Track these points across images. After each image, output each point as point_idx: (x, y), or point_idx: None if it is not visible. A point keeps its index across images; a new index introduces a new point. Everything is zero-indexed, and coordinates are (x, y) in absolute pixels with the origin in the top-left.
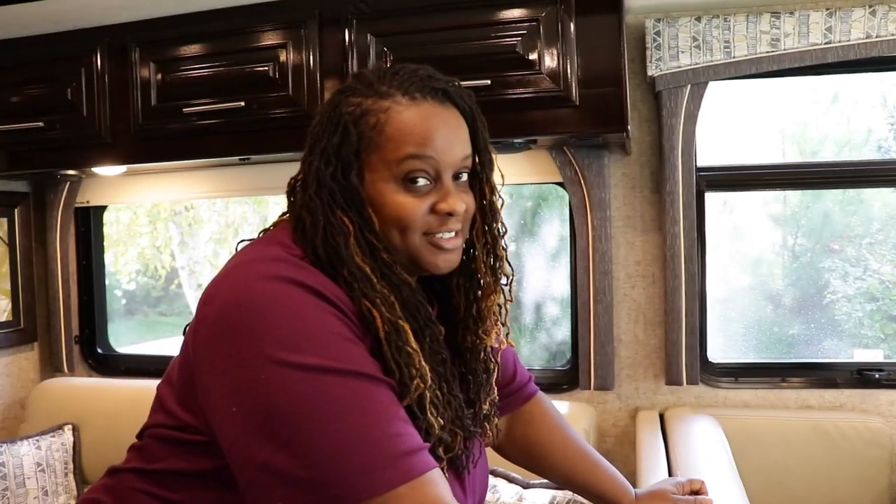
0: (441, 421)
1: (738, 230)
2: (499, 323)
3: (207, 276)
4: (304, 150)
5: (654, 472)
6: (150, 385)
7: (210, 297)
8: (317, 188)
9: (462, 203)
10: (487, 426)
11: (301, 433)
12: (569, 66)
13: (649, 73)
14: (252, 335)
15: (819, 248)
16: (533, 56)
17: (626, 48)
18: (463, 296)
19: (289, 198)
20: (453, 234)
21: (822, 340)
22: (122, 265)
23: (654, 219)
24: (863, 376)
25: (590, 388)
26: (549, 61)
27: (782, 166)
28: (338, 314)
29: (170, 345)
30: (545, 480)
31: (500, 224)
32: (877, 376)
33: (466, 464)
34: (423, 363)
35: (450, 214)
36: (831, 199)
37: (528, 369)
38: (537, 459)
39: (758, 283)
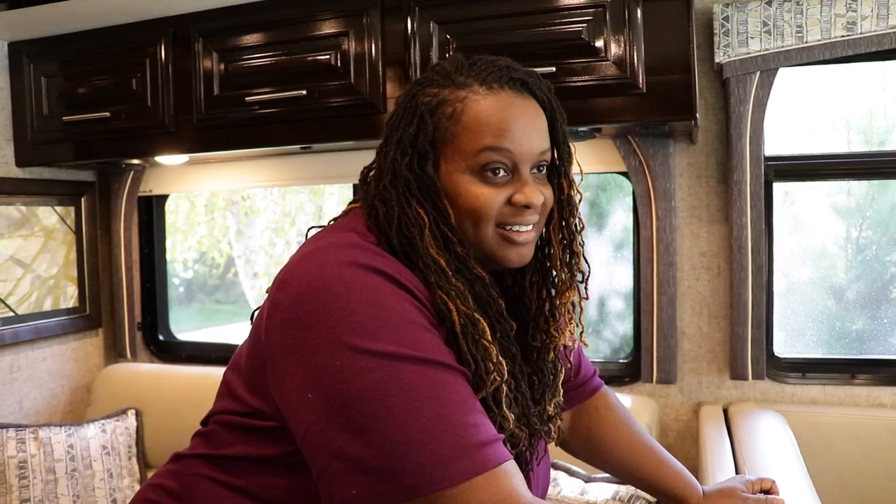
0: (512, 416)
1: (800, 222)
2: (573, 321)
3: (263, 265)
4: (381, 141)
5: (720, 469)
6: (210, 372)
7: (284, 282)
8: (392, 178)
9: (540, 195)
10: (551, 427)
11: (376, 421)
12: (635, 53)
13: (717, 60)
14: (328, 321)
15: (886, 240)
16: (599, 42)
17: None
18: (535, 293)
19: (361, 186)
20: (528, 227)
21: (889, 336)
22: (178, 254)
23: (721, 209)
24: None
25: (652, 382)
26: (616, 48)
27: (853, 155)
28: (414, 302)
29: (227, 332)
30: (607, 474)
31: (577, 219)
32: None
33: (531, 461)
34: (500, 357)
35: (527, 207)
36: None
37: (590, 361)
38: (602, 455)
39: (820, 277)
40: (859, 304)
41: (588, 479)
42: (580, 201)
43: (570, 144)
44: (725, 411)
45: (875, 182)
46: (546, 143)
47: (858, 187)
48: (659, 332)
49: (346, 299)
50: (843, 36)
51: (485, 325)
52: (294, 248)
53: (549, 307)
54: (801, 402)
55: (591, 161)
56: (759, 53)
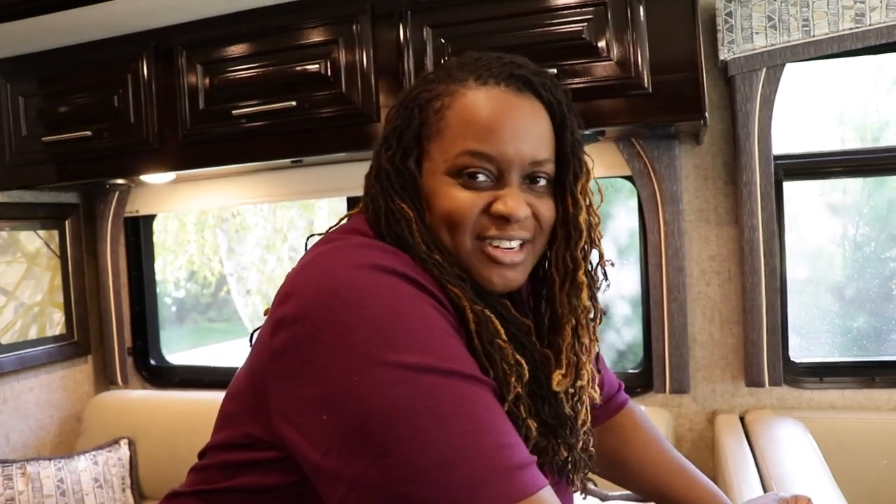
0: (535, 424)
1: (795, 221)
2: (582, 367)
3: (255, 281)
4: None
5: (745, 483)
6: (205, 397)
7: (287, 294)
8: (376, 172)
9: (524, 208)
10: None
11: (399, 442)
12: (639, 52)
13: (721, 57)
14: (339, 331)
15: (884, 237)
16: (601, 42)
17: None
18: (549, 319)
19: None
20: (514, 245)
21: (890, 334)
22: (169, 273)
23: (729, 211)
24: None
25: (665, 392)
26: (618, 47)
27: (864, 152)
28: (434, 304)
29: (221, 350)
30: (624, 492)
31: (587, 245)
32: None
33: (564, 475)
34: (518, 356)
35: (506, 219)
36: (894, 186)
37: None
38: (629, 475)
39: (817, 276)
40: (858, 302)
41: (605, 498)
42: (598, 225)
43: (586, 158)
44: (742, 419)
45: (871, 179)
46: (545, 153)
47: (854, 184)
48: (670, 340)
49: (359, 306)
50: (851, 28)
51: (496, 321)
52: (287, 263)
53: (552, 349)
54: (820, 408)
55: (594, 165)
56: (764, 49)
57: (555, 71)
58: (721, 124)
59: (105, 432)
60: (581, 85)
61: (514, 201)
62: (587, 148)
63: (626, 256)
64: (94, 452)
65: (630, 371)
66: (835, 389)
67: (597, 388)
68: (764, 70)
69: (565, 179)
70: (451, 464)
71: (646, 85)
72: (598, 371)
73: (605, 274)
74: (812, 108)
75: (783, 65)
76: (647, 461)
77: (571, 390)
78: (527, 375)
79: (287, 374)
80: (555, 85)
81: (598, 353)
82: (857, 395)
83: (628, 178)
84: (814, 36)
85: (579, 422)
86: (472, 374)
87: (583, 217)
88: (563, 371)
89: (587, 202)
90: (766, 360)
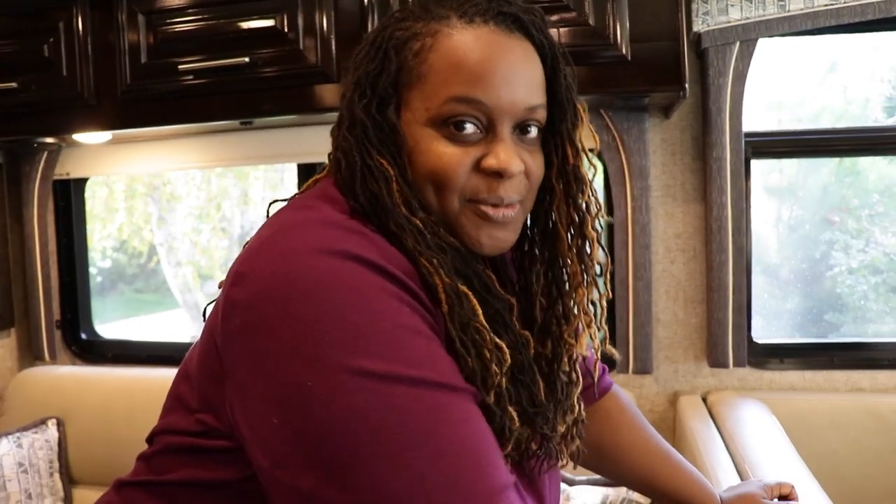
0: (516, 411)
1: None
2: (592, 325)
3: (187, 252)
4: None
5: (720, 468)
6: (141, 374)
7: (241, 275)
8: (349, 124)
9: (518, 162)
10: (564, 448)
11: (358, 461)
12: (618, 18)
13: (695, 29)
14: (295, 328)
15: (818, 219)
16: (579, 6)
17: None
18: (542, 290)
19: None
20: (508, 204)
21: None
22: (97, 242)
23: (697, 188)
24: None
25: (627, 372)
26: (597, 12)
27: (837, 131)
28: (407, 298)
29: (151, 322)
30: (592, 476)
31: (589, 197)
32: None
33: (538, 466)
34: (498, 340)
35: (500, 174)
36: (829, 170)
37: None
38: (613, 462)
39: (761, 257)
40: (802, 283)
41: (571, 483)
42: (594, 176)
43: (579, 104)
44: (704, 400)
45: (805, 161)
46: (538, 98)
47: (790, 166)
48: (635, 320)
49: (318, 300)
50: (826, 5)
51: (473, 299)
52: (220, 234)
53: (562, 308)
54: (781, 389)
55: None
56: (739, 22)
57: None
58: (691, 98)
59: (30, 412)
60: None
61: (507, 154)
62: None
63: None
64: (17, 434)
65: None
66: (795, 370)
67: (597, 348)
68: (738, 44)
69: (562, 127)
70: (422, 488)
71: (624, 53)
72: (590, 375)
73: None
74: (772, 88)
75: (757, 39)
76: (633, 446)
77: (567, 368)
78: (508, 361)
79: (237, 364)
80: (545, 24)
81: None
82: (817, 375)
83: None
84: (789, 10)
85: (575, 388)
86: (445, 381)
87: (584, 166)
88: (587, 331)
89: (585, 151)
90: (732, 340)
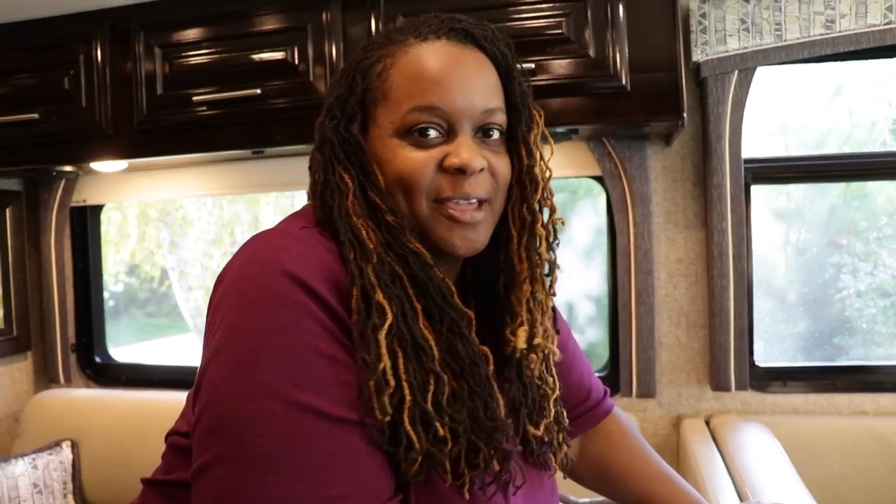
0: (461, 427)
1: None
2: (541, 324)
3: (198, 277)
4: None
5: (721, 491)
6: (153, 397)
7: (217, 279)
8: (320, 144)
9: (480, 159)
10: (553, 456)
11: (229, 458)
12: (618, 50)
13: (694, 59)
14: (229, 333)
15: (825, 242)
16: (579, 39)
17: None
18: (492, 285)
19: None
20: (474, 203)
21: (833, 338)
22: (111, 266)
23: (698, 214)
24: None
25: (631, 396)
26: (597, 43)
27: (836, 157)
28: (325, 318)
29: (162, 346)
30: (596, 498)
31: (542, 196)
32: None
33: (498, 488)
34: (395, 346)
35: (462, 171)
36: (836, 193)
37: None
38: (614, 483)
39: (762, 280)
40: (809, 306)
41: None
42: (550, 178)
43: (535, 109)
44: (707, 424)
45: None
46: (495, 102)
47: (796, 190)
48: (638, 344)
49: (250, 311)
50: (822, 34)
51: (389, 312)
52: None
53: (507, 303)
54: (784, 412)
55: (564, 164)
56: (737, 52)
57: (533, 66)
58: (691, 126)
59: (45, 434)
60: (558, 82)
61: (468, 151)
62: (558, 146)
63: (591, 258)
64: (33, 455)
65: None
66: (798, 394)
67: (556, 348)
68: (736, 73)
69: (518, 130)
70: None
71: (624, 83)
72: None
73: (555, 231)
74: (778, 113)
75: (755, 68)
76: (633, 468)
77: (537, 369)
78: (446, 379)
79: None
80: (497, 37)
81: (587, 362)
82: (820, 399)
83: (597, 178)
84: (786, 40)
85: (550, 391)
86: (326, 409)
87: (538, 169)
88: (525, 328)
89: (540, 154)
90: (733, 364)
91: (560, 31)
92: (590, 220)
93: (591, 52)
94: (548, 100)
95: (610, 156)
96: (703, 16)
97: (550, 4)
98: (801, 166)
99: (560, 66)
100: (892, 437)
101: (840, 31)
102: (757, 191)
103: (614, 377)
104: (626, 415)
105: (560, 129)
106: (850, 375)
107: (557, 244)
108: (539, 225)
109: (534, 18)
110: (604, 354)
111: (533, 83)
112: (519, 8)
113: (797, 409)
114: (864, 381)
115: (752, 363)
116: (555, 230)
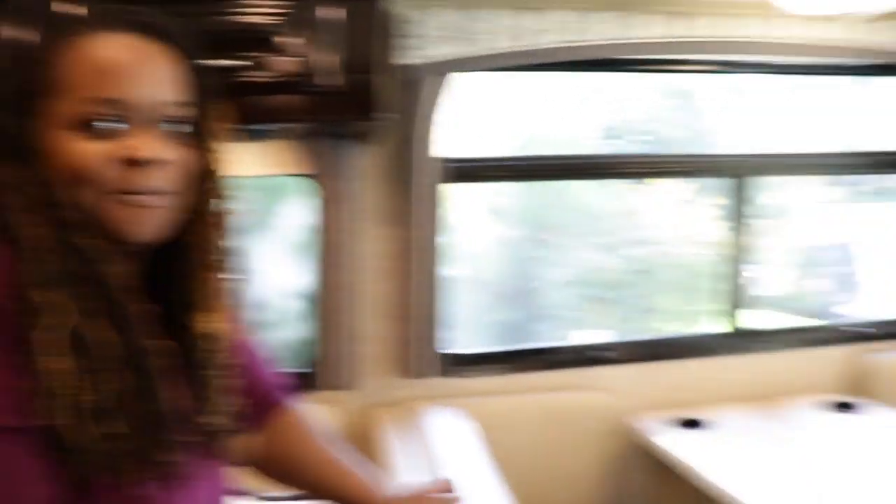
0: (110, 427)
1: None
2: (216, 312)
3: None
4: None
5: (407, 471)
6: None
7: None
8: None
9: (153, 149)
10: (215, 442)
11: None
12: (320, 50)
13: (400, 62)
14: None
15: (532, 238)
16: (282, 37)
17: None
18: (180, 275)
19: None
20: (152, 196)
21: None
22: None
23: (398, 211)
24: (586, 355)
25: (332, 389)
26: (298, 43)
27: (527, 158)
28: None
29: None
30: (283, 493)
31: (223, 189)
32: (600, 355)
33: (165, 479)
34: (59, 346)
35: (137, 163)
36: (539, 194)
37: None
38: (295, 474)
39: (477, 273)
40: (512, 296)
41: (260, 499)
42: (236, 173)
43: (218, 104)
44: (404, 411)
45: (523, 186)
46: (178, 95)
47: (511, 189)
48: (341, 338)
49: None
50: (525, 46)
51: (50, 311)
52: None
53: (188, 292)
54: (476, 394)
55: (269, 163)
56: (440, 58)
57: (235, 62)
58: (399, 127)
59: None
60: (259, 79)
61: (143, 142)
62: (263, 145)
63: (303, 256)
64: None
65: (298, 371)
66: (490, 377)
67: (235, 336)
68: (438, 77)
69: (202, 125)
70: None
71: (334, 83)
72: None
73: (235, 223)
74: (477, 116)
75: (455, 73)
76: (309, 458)
77: (215, 357)
78: (111, 376)
79: None
80: (181, 31)
81: (271, 358)
82: (509, 380)
83: (303, 175)
84: (492, 49)
85: (227, 381)
86: None
87: (220, 162)
88: (203, 315)
89: (224, 149)
90: (426, 353)
91: (277, 29)
92: (302, 218)
93: (307, 52)
94: (261, 97)
95: (318, 154)
96: (409, 21)
97: (255, 4)
98: (499, 167)
99: (263, 63)
100: (562, 407)
101: (532, 47)
102: (471, 190)
103: (317, 372)
104: (324, 408)
105: (272, 127)
106: (531, 357)
107: (238, 235)
108: (219, 216)
109: (253, 15)
110: (309, 350)
111: (246, 80)
112: (229, 3)
113: (489, 391)
114: (541, 360)
115: (447, 351)
116: (235, 222)
